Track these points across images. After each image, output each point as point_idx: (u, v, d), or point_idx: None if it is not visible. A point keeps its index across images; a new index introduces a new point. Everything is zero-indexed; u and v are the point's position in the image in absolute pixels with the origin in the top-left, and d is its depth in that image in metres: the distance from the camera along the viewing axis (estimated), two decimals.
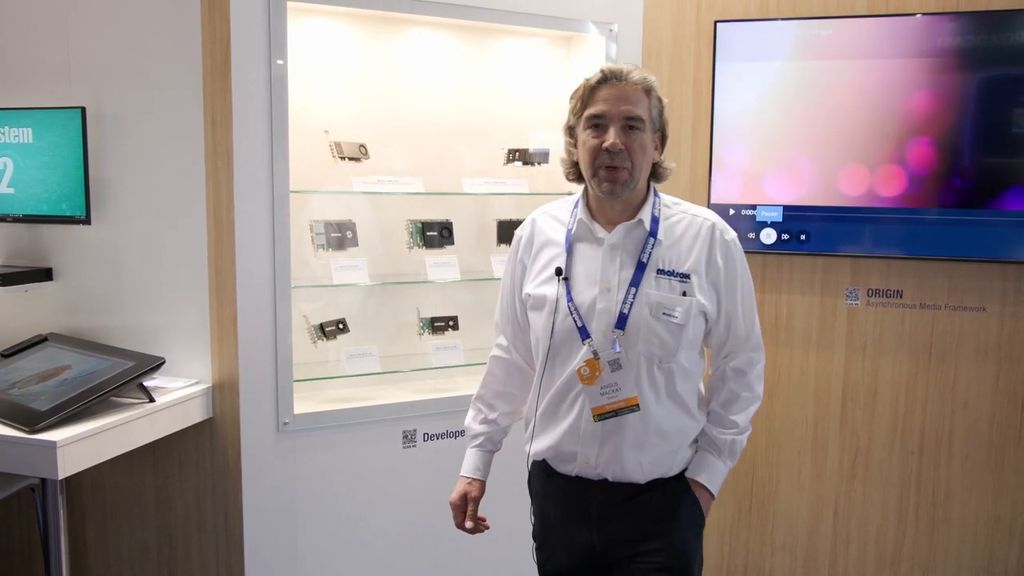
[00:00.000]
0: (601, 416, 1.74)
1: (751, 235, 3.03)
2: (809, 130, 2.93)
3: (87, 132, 2.57)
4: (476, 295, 3.14)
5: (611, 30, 2.99)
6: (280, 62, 2.50)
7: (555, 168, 3.15)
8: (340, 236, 2.81)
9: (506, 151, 3.06)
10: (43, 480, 2.26)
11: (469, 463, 1.99)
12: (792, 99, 2.94)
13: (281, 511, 2.66)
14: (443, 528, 2.86)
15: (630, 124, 1.72)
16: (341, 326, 2.84)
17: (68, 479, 2.58)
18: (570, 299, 1.78)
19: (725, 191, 3.04)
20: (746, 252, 3.02)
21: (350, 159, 2.80)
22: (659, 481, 1.80)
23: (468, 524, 1.95)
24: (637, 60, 3.05)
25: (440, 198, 3.01)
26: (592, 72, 1.77)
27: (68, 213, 2.63)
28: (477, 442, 2.00)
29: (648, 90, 1.75)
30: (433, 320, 3.00)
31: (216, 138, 2.50)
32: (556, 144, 3.14)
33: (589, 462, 1.79)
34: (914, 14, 2.82)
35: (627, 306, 1.73)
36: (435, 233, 2.97)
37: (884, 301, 3.00)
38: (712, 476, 1.83)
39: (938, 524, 3.02)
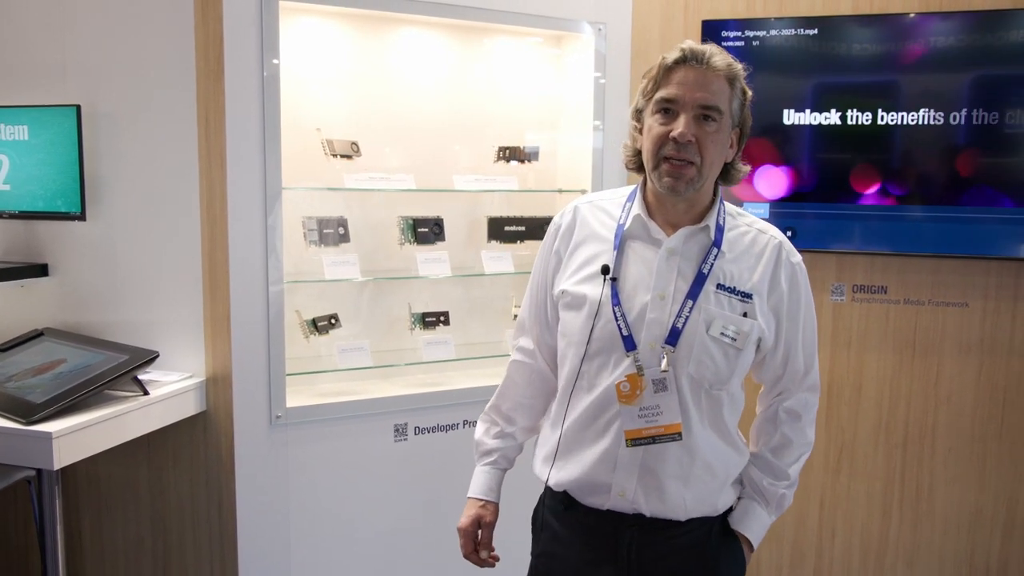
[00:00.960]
0: (635, 442, 1.54)
1: None
2: (793, 128, 2.97)
3: (82, 130, 2.60)
4: (467, 291, 3.18)
5: (600, 29, 3.03)
6: (273, 61, 2.54)
7: (545, 166, 3.23)
8: (332, 232, 2.85)
9: (497, 149, 3.10)
10: (39, 471, 2.30)
11: (480, 483, 1.77)
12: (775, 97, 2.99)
13: (274, 503, 2.70)
14: (433, 520, 2.93)
15: (705, 114, 1.52)
16: (333, 321, 2.88)
17: (64, 472, 2.63)
18: (616, 303, 1.57)
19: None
20: None
21: (342, 156, 2.84)
22: (699, 520, 1.61)
23: (482, 554, 1.75)
24: (626, 59, 3.09)
25: (431, 195, 3.04)
26: (671, 58, 1.56)
27: (63, 210, 2.66)
28: (491, 459, 1.78)
29: (732, 79, 1.55)
30: (424, 315, 3.04)
31: (209, 136, 2.54)
32: (547, 142, 3.20)
33: (625, 495, 1.57)
34: (899, 14, 2.86)
35: (681, 320, 1.54)
36: (426, 229, 3.01)
37: (869, 297, 3.05)
38: (758, 529, 1.66)
39: (922, 517, 3.07)
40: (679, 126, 1.51)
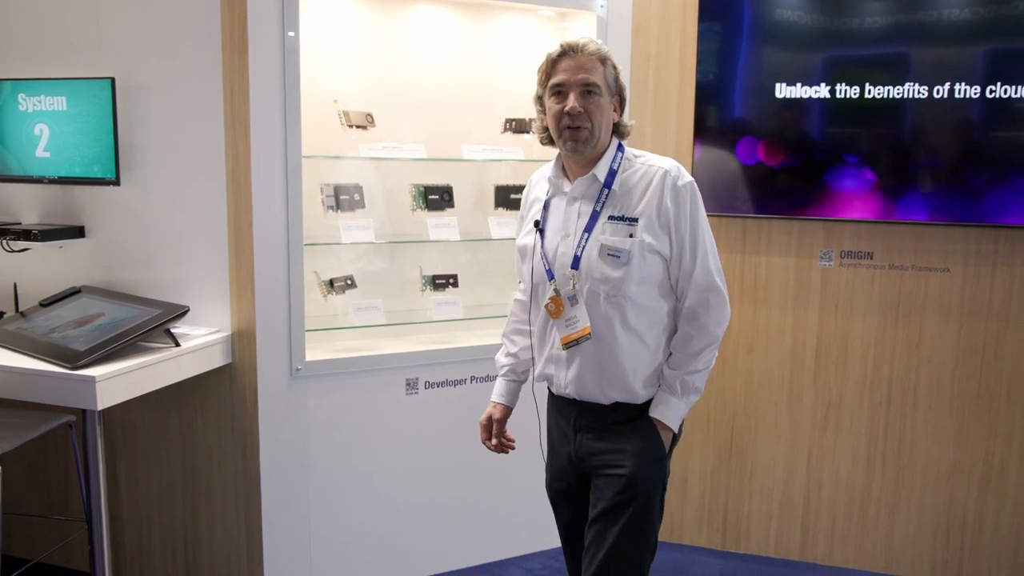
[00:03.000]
0: (567, 345, 1.98)
1: None
2: (785, 101, 3.12)
3: (116, 101, 2.79)
4: (475, 255, 3.36)
5: (602, 6, 3.18)
6: (292, 35, 2.71)
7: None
8: (348, 198, 3.03)
9: (503, 120, 3.27)
10: (82, 413, 2.51)
11: (495, 389, 2.24)
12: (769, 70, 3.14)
13: (294, 449, 2.91)
14: (443, 465, 3.14)
15: (588, 90, 1.92)
16: (349, 282, 3.07)
17: (102, 419, 2.84)
18: (543, 247, 2.04)
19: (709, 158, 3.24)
20: (726, 215, 3.22)
21: (358, 127, 3.01)
22: (624, 405, 1.99)
23: (492, 442, 2.20)
24: (627, 35, 3.25)
25: (441, 164, 3.22)
26: (556, 53, 1.97)
27: (99, 175, 2.85)
28: (502, 372, 2.24)
29: (603, 59, 1.95)
30: (435, 278, 3.23)
31: (234, 107, 2.72)
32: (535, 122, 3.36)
33: (561, 383, 2.03)
34: None
35: (580, 249, 1.96)
36: (437, 197, 3.19)
37: (856, 263, 3.20)
38: (666, 412, 1.98)
39: (903, 470, 3.24)
40: (569, 102, 1.92)
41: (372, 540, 3.08)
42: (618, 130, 2.03)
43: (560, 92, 1.94)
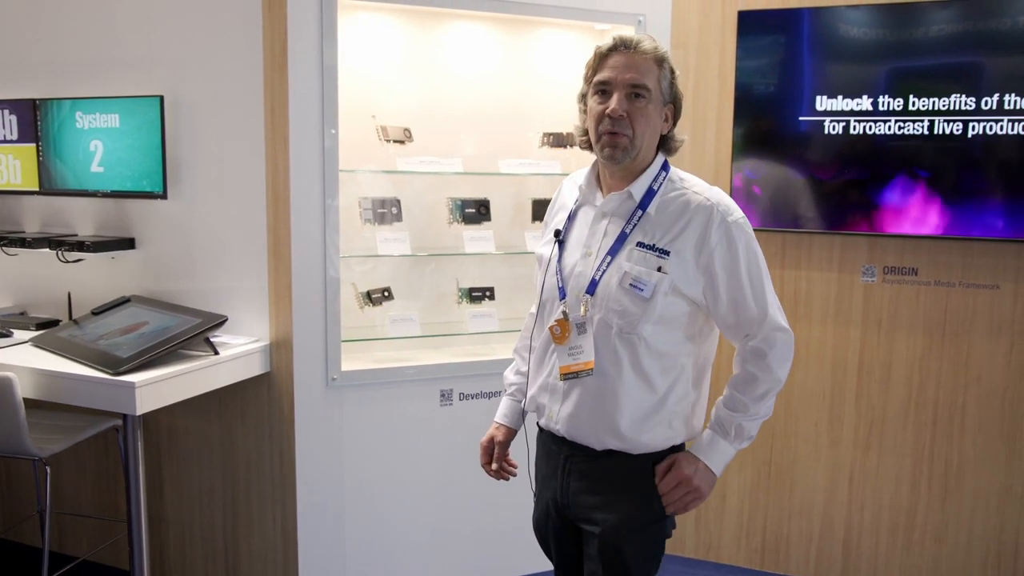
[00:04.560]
0: (566, 376, 1.77)
1: None
2: (826, 113, 3.07)
3: (165, 118, 2.91)
4: (511, 268, 3.38)
5: (640, 21, 3.19)
6: (331, 52, 2.78)
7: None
8: (386, 212, 3.09)
9: (541, 134, 3.29)
10: (125, 418, 2.61)
11: (500, 409, 2.07)
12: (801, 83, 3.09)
13: (330, 457, 2.96)
14: (474, 477, 3.15)
15: (635, 92, 1.70)
16: (386, 293, 3.13)
17: (147, 425, 2.96)
18: (560, 260, 1.84)
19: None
20: (767, 230, 3.17)
21: (395, 141, 3.07)
22: (617, 454, 1.78)
23: (492, 466, 2.03)
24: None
25: (478, 178, 3.26)
26: (605, 46, 1.77)
27: (148, 189, 2.97)
28: (509, 391, 2.08)
29: (659, 60, 1.73)
30: (471, 290, 3.26)
31: (275, 123, 2.80)
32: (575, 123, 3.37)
33: (552, 415, 1.83)
34: (930, 2, 2.92)
35: (599, 273, 1.75)
36: (473, 210, 3.22)
37: (900, 279, 3.12)
38: (712, 455, 1.78)
39: (950, 493, 3.14)
40: (612, 103, 1.71)
41: (405, 548, 3.12)
42: (665, 144, 1.81)
43: (604, 91, 1.73)
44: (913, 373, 3.15)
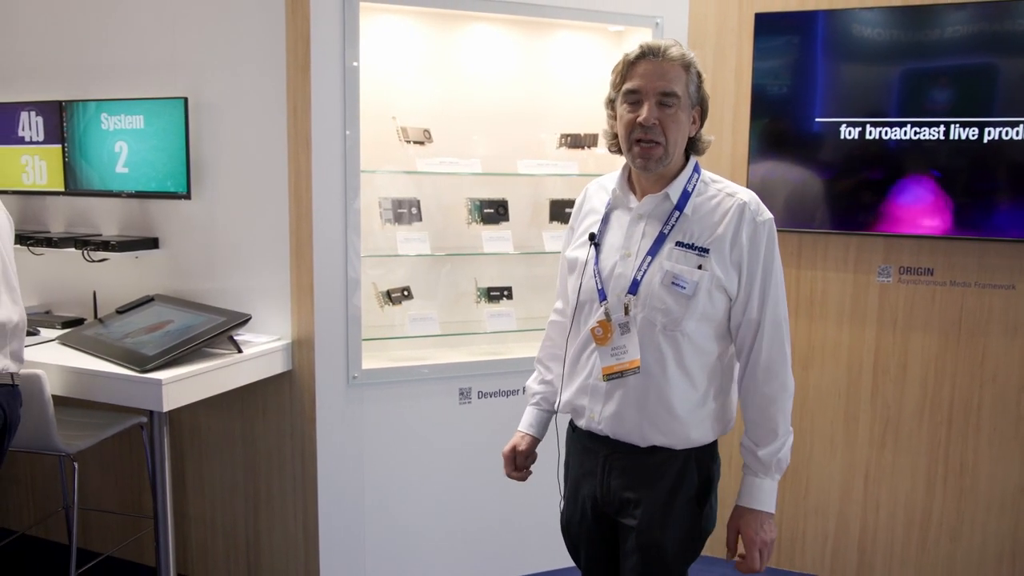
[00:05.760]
0: (609, 376, 1.80)
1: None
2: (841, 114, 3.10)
3: (189, 119, 2.95)
4: (529, 268, 3.41)
5: (657, 23, 3.21)
6: (353, 56, 2.82)
7: (604, 151, 3.40)
8: (405, 212, 3.13)
9: (559, 135, 3.33)
10: (151, 415, 2.65)
11: (524, 419, 2.09)
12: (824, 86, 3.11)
13: (350, 453, 3.00)
14: (493, 474, 3.18)
15: (665, 100, 1.74)
16: (405, 293, 3.16)
17: (171, 422, 3.00)
18: (597, 263, 1.86)
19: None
20: (782, 230, 3.20)
21: (415, 142, 3.11)
22: (663, 450, 1.81)
23: (515, 474, 2.05)
24: None
25: (497, 178, 3.29)
26: (634, 54, 1.80)
27: (172, 190, 3.01)
28: (534, 400, 2.09)
29: (687, 66, 1.77)
30: (489, 290, 3.29)
31: (297, 124, 2.84)
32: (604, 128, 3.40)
33: (595, 416, 1.85)
34: (947, 4, 2.94)
35: (640, 273, 1.78)
36: (492, 210, 3.26)
37: (915, 279, 3.14)
38: (762, 496, 1.81)
39: (965, 493, 3.15)
40: (643, 112, 1.75)
41: (425, 545, 3.16)
42: (694, 145, 1.85)
43: (635, 100, 1.77)
44: (928, 373, 3.16)
